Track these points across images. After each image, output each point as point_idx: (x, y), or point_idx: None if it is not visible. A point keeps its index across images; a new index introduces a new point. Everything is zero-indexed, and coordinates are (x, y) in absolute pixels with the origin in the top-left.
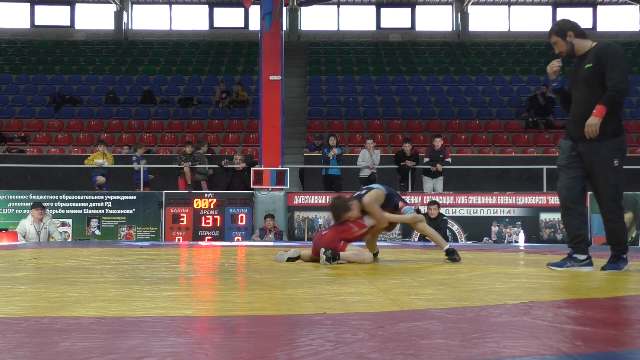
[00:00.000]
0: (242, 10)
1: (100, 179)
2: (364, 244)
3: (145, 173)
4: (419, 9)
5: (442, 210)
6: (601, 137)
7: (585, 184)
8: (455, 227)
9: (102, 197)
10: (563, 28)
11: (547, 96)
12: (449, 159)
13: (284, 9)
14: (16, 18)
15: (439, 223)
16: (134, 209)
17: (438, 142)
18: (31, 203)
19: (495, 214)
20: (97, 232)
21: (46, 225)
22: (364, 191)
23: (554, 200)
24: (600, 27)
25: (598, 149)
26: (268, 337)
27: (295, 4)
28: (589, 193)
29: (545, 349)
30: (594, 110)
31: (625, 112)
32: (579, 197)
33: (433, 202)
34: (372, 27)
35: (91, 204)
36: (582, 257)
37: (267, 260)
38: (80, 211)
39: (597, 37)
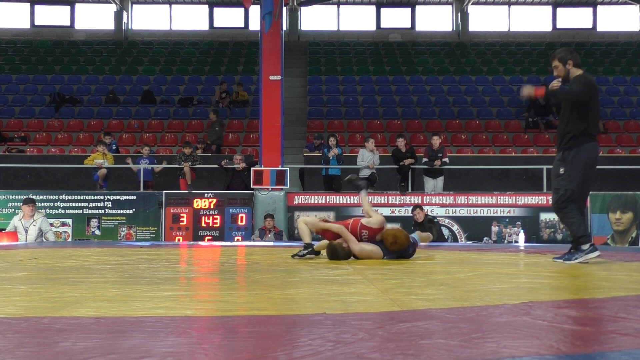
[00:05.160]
0: (242, 10)
1: (102, 171)
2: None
3: (148, 173)
4: (419, 9)
5: (443, 211)
6: (560, 149)
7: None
8: (455, 227)
9: (102, 197)
10: (565, 57)
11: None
12: (447, 159)
13: (284, 9)
14: (16, 18)
15: (426, 227)
16: (134, 209)
17: (436, 141)
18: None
19: (495, 214)
20: (97, 232)
21: (36, 223)
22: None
23: None
24: (600, 27)
25: (556, 158)
26: (268, 337)
27: (295, 4)
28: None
29: (545, 349)
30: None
31: (625, 111)
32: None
33: (417, 207)
34: (372, 27)
35: (91, 204)
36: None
37: (267, 260)
38: (80, 211)
39: (597, 37)
